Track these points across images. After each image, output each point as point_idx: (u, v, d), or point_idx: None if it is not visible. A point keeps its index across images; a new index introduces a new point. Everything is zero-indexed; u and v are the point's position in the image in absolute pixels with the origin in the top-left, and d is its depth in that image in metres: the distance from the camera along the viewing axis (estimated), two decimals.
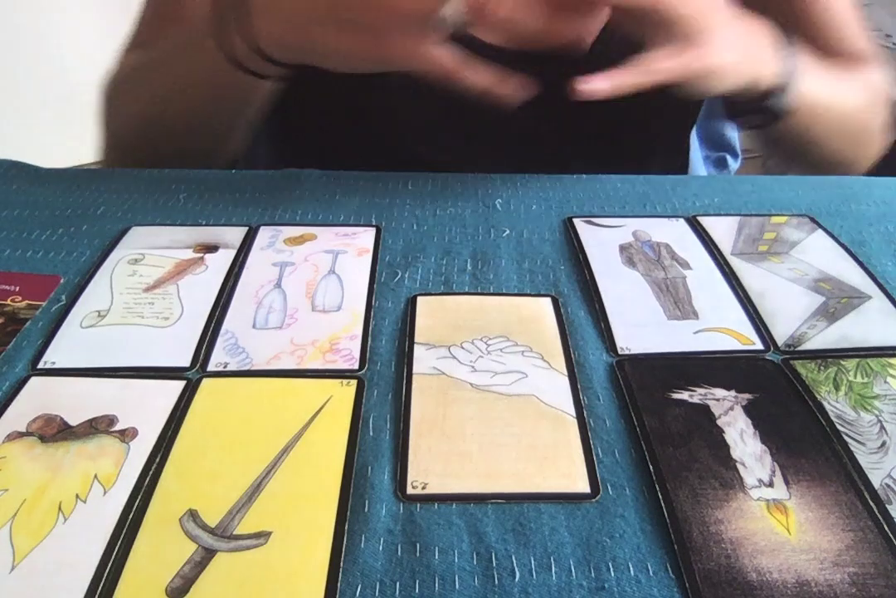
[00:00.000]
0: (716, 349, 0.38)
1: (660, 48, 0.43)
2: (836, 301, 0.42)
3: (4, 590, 0.26)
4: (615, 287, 0.43)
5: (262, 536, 0.28)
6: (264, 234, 0.47)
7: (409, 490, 0.30)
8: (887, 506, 0.30)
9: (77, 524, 0.28)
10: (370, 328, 0.39)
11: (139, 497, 0.29)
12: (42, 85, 2.15)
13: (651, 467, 0.31)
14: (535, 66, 0.43)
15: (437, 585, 0.27)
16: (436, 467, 0.31)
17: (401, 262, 0.45)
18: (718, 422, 0.33)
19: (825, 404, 0.35)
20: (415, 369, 0.36)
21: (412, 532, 0.29)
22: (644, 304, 0.42)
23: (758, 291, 0.43)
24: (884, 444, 0.33)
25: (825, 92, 0.55)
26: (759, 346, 0.38)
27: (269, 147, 0.65)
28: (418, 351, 0.37)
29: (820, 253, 0.46)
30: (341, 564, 0.27)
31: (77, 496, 0.29)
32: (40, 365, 0.36)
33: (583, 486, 0.30)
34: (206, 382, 0.35)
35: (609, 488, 0.31)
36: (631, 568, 0.27)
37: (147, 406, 0.34)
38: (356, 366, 0.36)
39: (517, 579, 0.27)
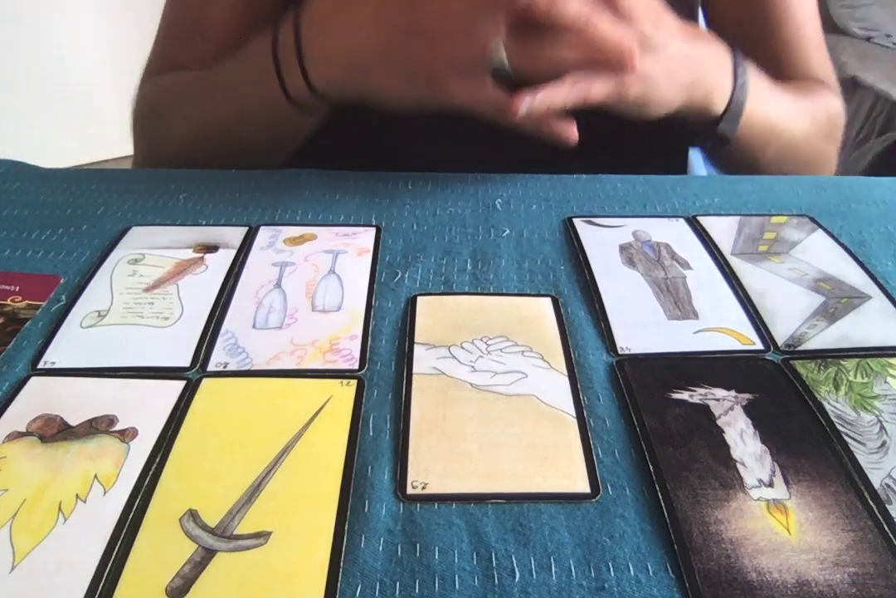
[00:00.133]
0: (716, 349, 0.38)
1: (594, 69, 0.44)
2: (836, 301, 0.42)
3: (4, 590, 0.26)
4: (615, 287, 0.43)
5: (262, 536, 0.28)
6: (264, 234, 0.47)
7: (409, 490, 0.30)
8: (887, 506, 0.30)
9: (77, 524, 0.28)
10: (370, 328, 0.39)
11: (139, 497, 0.29)
12: (42, 85, 2.15)
13: (651, 467, 0.31)
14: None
15: (437, 585, 0.27)
16: (436, 467, 0.31)
17: (401, 262, 0.45)
18: (718, 422, 0.33)
19: (825, 404, 0.35)
20: (415, 369, 0.36)
21: (412, 532, 0.29)
22: (644, 304, 0.42)
23: (758, 291, 0.43)
24: (884, 444, 0.33)
25: (778, 118, 0.56)
26: (759, 346, 0.38)
27: None
28: (418, 351, 0.37)
29: (820, 253, 0.46)
30: (341, 564, 0.27)
31: (77, 496, 0.29)
32: (40, 365, 0.36)
33: (583, 486, 0.30)
34: (206, 382, 0.35)
35: (609, 488, 0.31)
36: (631, 568, 0.27)
37: (147, 406, 0.34)
38: (356, 366, 0.36)
39: (517, 579, 0.27)
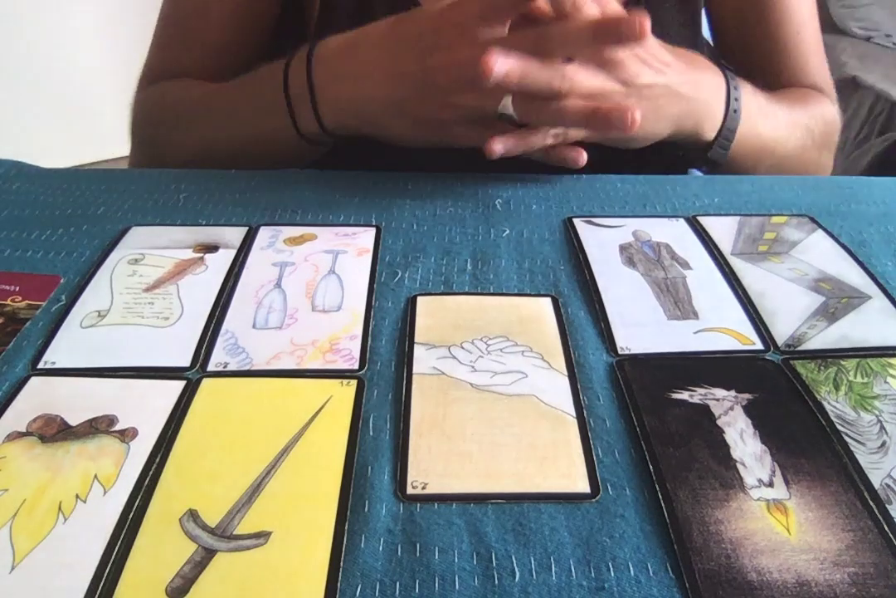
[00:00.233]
0: (716, 349, 0.38)
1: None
2: (836, 301, 0.42)
3: (4, 590, 0.26)
4: (615, 287, 0.43)
5: (262, 536, 0.28)
6: (264, 234, 0.47)
7: (409, 490, 0.30)
8: (887, 506, 0.30)
9: (77, 524, 0.28)
10: (370, 328, 0.39)
11: (139, 497, 0.29)
12: (42, 85, 2.15)
13: (651, 467, 0.31)
14: None
15: (437, 585, 0.27)
16: (436, 467, 0.31)
17: (401, 262, 0.45)
18: (718, 422, 0.33)
19: (825, 404, 0.35)
20: (415, 369, 0.36)
21: (412, 532, 0.29)
22: (644, 304, 0.42)
23: (758, 291, 0.43)
24: (884, 444, 0.33)
25: (771, 137, 0.57)
26: (759, 346, 0.38)
27: None
28: (418, 351, 0.37)
29: (820, 253, 0.46)
30: (341, 564, 0.27)
31: (77, 496, 0.29)
32: (40, 365, 0.36)
33: (583, 486, 0.30)
34: (206, 382, 0.35)
35: (609, 488, 0.31)
36: (631, 568, 0.27)
37: (147, 406, 0.34)
38: (356, 366, 0.36)
39: (517, 579, 0.27)
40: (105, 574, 0.27)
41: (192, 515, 0.29)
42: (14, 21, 2.03)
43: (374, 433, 0.33)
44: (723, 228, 0.49)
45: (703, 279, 0.44)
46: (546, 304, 0.41)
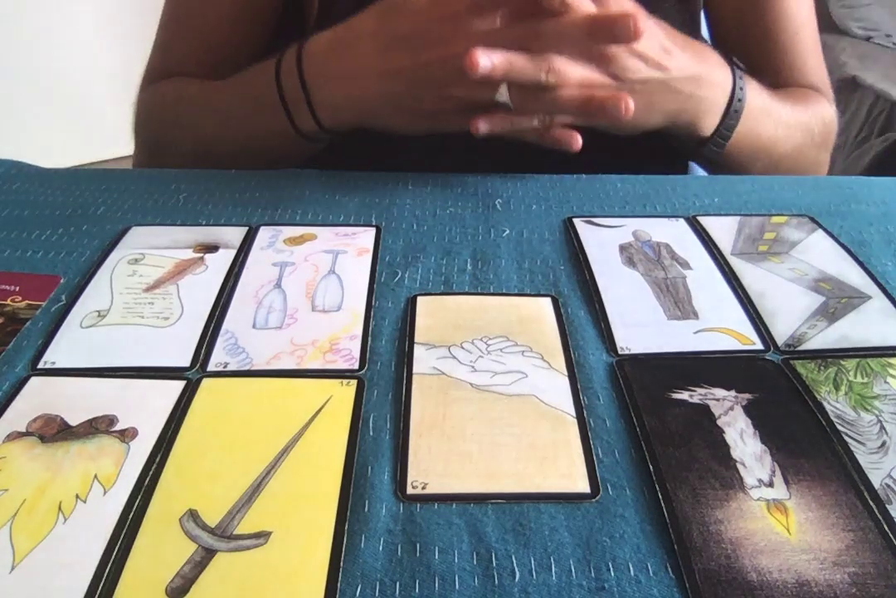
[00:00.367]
0: (716, 349, 0.38)
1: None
2: (836, 301, 0.42)
3: (4, 590, 0.26)
4: (615, 287, 0.43)
5: (262, 536, 0.28)
6: (264, 234, 0.47)
7: (409, 490, 0.30)
8: (887, 506, 0.30)
9: (77, 524, 0.28)
10: (370, 328, 0.39)
11: (139, 497, 0.29)
12: (42, 85, 2.15)
13: (651, 467, 0.31)
14: None
15: (437, 585, 0.27)
16: (436, 467, 0.31)
17: (401, 262, 0.45)
18: (718, 422, 0.33)
19: (825, 404, 0.35)
20: (415, 369, 0.36)
21: (412, 532, 0.29)
22: (644, 304, 0.42)
23: (758, 291, 0.43)
24: (884, 444, 0.33)
25: (770, 137, 0.57)
26: (759, 346, 0.38)
27: None
28: (418, 351, 0.37)
29: (820, 253, 0.46)
30: (341, 564, 0.27)
31: (77, 496, 0.29)
32: (40, 365, 0.36)
33: (583, 486, 0.30)
34: (206, 382, 0.35)
35: (609, 488, 0.31)
36: (631, 568, 0.27)
37: (147, 406, 0.34)
38: (356, 366, 0.36)
39: (517, 579, 0.27)
40: (105, 574, 0.27)
41: (192, 515, 0.29)
42: (14, 21, 2.03)
43: (374, 433, 0.33)
44: (723, 228, 0.49)
45: (703, 279, 0.44)
46: (546, 304, 0.41)
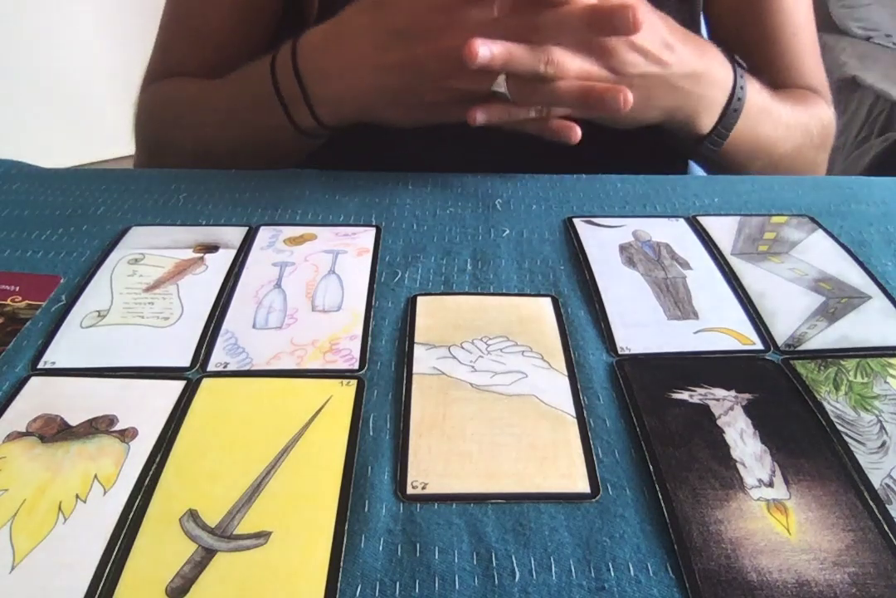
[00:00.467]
0: (716, 349, 0.38)
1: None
2: (836, 301, 0.42)
3: (4, 590, 0.26)
4: (615, 287, 0.43)
5: (262, 536, 0.28)
6: (264, 234, 0.47)
7: (409, 490, 0.30)
8: (887, 506, 0.30)
9: (77, 524, 0.28)
10: (370, 328, 0.39)
11: (139, 497, 0.29)
12: (42, 85, 2.15)
13: (651, 467, 0.31)
14: None
15: (437, 585, 0.27)
16: (436, 467, 0.31)
17: (401, 262, 0.45)
18: (718, 422, 0.33)
19: (825, 404, 0.35)
20: (415, 369, 0.36)
21: (412, 532, 0.29)
22: (644, 304, 0.42)
23: (758, 291, 0.43)
24: (884, 444, 0.33)
25: (769, 137, 0.57)
26: (759, 346, 0.38)
27: None
28: (418, 351, 0.37)
29: (820, 253, 0.46)
30: (341, 564, 0.27)
31: (77, 496, 0.29)
32: (40, 365, 0.36)
33: (583, 486, 0.30)
34: (206, 382, 0.35)
35: (609, 488, 0.31)
36: (631, 568, 0.27)
37: (147, 406, 0.34)
38: (356, 366, 0.36)
39: (517, 579, 0.27)
40: (105, 574, 0.27)
41: (192, 515, 0.29)
42: (14, 21, 2.03)
43: (374, 433, 0.33)
44: (723, 228, 0.49)
45: (703, 279, 0.44)
46: (546, 304, 0.41)
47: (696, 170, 0.73)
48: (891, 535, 0.28)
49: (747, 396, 0.35)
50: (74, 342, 0.38)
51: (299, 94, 0.50)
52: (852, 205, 0.53)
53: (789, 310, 0.41)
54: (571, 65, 0.44)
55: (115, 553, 0.27)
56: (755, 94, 0.54)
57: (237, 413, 0.34)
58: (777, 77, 0.62)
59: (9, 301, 0.40)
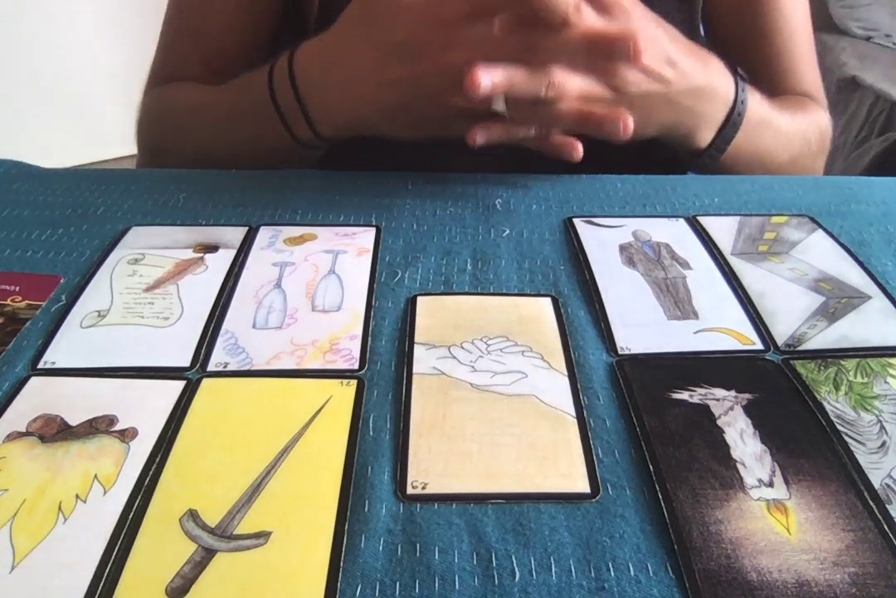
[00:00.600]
0: (716, 349, 0.38)
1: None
2: (836, 301, 0.42)
3: (4, 590, 0.26)
4: (615, 287, 0.43)
5: (262, 536, 0.28)
6: (264, 234, 0.47)
7: (409, 490, 0.30)
8: (887, 506, 0.30)
9: (77, 524, 0.28)
10: (370, 328, 0.39)
11: (139, 497, 0.29)
12: (42, 85, 2.15)
13: (651, 467, 0.31)
14: None
15: (437, 585, 0.27)
16: (436, 467, 0.31)
17: (401, 262, 0.45)
18: (718, 422, 0.33)
19: (825, 404, 0.35)
20: (415, 369, 0.36)
21: (412, 532, 0.29)
22: (644, 304, 0.42)
23: (758, 291, 0.43)
24: (884, 444, 0.33)
25: (768, 148, 0.57)
26: (759, 346, 0.38)
27: None
28: (418, 351, 0.37)
29: (820, 253, 0.46)
30: (341, 564, 0.27)
31: (77, 496, 0.29)
32: (40, 365, 0.36)
33: (583, 486, 0.30)
34: (206, 382, 0.35)
35: (609, 488, 0.31)
36: (631, 568, 0.27)
37: (147, 406, 0.34)
38: (356, 366, 0.36)
39: (517, 579, 0.27)
40: (105, 574, 0.27)
41: (192, 515, 0.29)
42: (14, 21, 2.03)
43: (374, 433, 0.33)
44: (723, 228, 0.49)
45: (703, 279, 0.44)
46: (546, 304, 0.41)
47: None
48: (891, 535, 0.28)
49: (747, 396, 0.35)
50: (74, 342, 0.38)
51: (297, 107, 0.50)
52: (852, 205, 0.53)
53: (789, 310, 0.41)
54: (572, 85, 0.44)
55: (115, 553, 0.27)
56: (756, 105, 0.54)
57: (237, 413, 0.34)
58: (773, 79, 0.62)
59: (9, 301, 0.40)
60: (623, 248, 0.47)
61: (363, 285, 0.42)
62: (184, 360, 0.37)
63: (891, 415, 0.34)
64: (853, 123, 1.74)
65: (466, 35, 0.43)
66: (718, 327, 0.40)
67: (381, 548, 0.28)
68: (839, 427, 0.33)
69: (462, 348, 0.38)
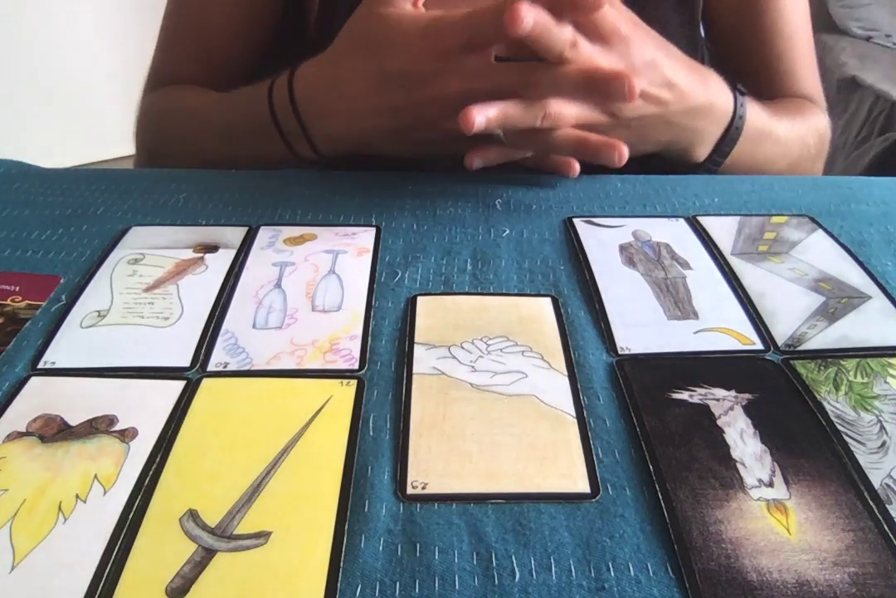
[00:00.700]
0: (716, 349, 0.38)
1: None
2: (836, 301, 0.42)
3: (4, 590, 0.26)
4: (615, 287, 0.43)
5: (262, 536, 0.28)
6: (264, 234, 0.47)
7: (409, 490, 0.30)
8: (887, 506, 0.30)
9: (77, 524, 0.28)
10: (370, 328, 0.39)
11: (139, 497, 0.29)
12: (42, 85, 2.15)
13: (651, 467, 0.31)
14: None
15: (437, 585, 0.27)
16: (436, 467, 0.31)
17: (401, 262, 0.45)
18: (718, 422, 0.34)
19: (825, 404, 0.35)
20: (415, 369, 0.36)
21: (412, 532, 0.29)
22: (644, 304, 0.42)
23: (758, 291, 0.43)
24: (884, 444, 0.33)
25: (767, 157, 0.58)
26: (759, 346, 0.38)
27: None
28: (418, 351, 0.37)
29: (820, 253, 0.46)
30: (341, 564, 0.27)
31: (77, 496, 0.29)
32: (40, 365, 0.36)
33: (583, 486, 0.30)
34: (206, 382, 0.35)
35: (609, 488, 0.31)
36: (631, 568, 0.27)
37: (147, 406, 0.34)
38: (356, 366, 0.36)
39: (517, 579, 0.27)
40: (105, 574, 0.27)
41: (192, 515, 0.29)
42: (14, 21, 2.04)
43: (374, 433, 0.33)
44: (723, 228, 0.49)
45: (703, 279, 0.44)
46: (546, 304, 0.41)
47: None
48: (891, 535, 0.28)
49: (747, 396, 0.35)
50: (74, 342, 0.38)
51: (300, 129, 0.50)
52: (852, 205, 0.53)
53: (789, 310, 0.41)
54: (568, 113, 0.44)
55: (115, 553, 0.27)
56: (754, 117, 0.54)
57: (237, 413, 0.34)
58: (773, 81, 0.63)
59: (9, 301, 0.41)
60: (623, 248, 0.47)
61: (363, 285, 0.42)
62: (184, 360, 0.37)
63: (891, 415, 0.34)
64: (853, 123, 1.74)
65: (462, 65, 0.43)
66: (718, 327, 0.40)
67: (381, 548, 0.28)
68: (839, 427, 0.33)
69: (462, 348, 0.38)
